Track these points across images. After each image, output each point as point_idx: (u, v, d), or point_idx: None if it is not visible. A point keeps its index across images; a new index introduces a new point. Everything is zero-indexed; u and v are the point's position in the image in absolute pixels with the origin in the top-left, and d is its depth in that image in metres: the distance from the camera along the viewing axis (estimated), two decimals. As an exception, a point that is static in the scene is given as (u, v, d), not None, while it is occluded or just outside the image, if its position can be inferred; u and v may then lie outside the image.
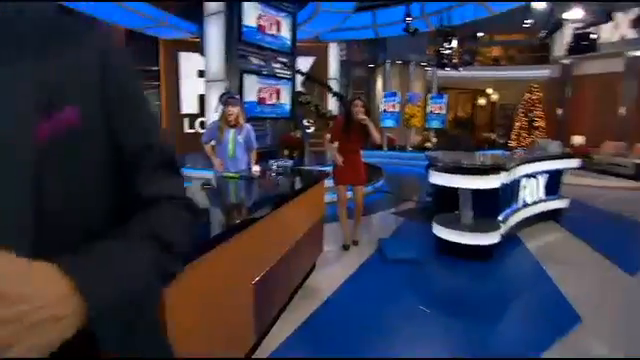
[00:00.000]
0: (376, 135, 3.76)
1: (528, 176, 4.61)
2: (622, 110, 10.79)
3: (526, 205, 4.70)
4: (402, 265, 3.57)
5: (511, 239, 4.22)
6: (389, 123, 12.23)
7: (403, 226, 4.94)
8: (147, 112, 0.62)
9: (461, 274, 3.47)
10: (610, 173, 8.79)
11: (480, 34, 9.18)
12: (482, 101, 15.58)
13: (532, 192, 4.78)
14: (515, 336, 2.52)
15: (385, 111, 12.21)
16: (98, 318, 0.39)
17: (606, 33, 9.78)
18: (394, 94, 12.20)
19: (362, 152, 3.91)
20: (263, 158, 3.89)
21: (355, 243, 4.04)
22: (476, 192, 3.74)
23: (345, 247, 3.93)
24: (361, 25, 9.55)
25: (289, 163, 3.29)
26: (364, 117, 3.61)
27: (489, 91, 15.13)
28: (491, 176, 3.64)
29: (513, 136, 13.04)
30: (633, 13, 7.48)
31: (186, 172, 6.06)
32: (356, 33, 10.17)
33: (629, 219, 5.46)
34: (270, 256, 2.25)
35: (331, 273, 3.35)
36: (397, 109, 12.14)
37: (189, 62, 9.50)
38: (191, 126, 9.99)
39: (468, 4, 7.97)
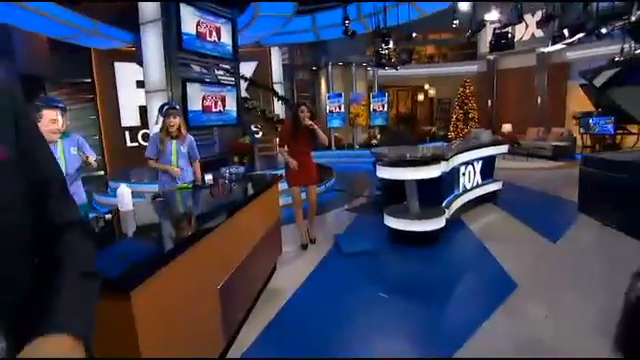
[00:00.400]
0: (323, 137, 3.91)
1: (466, 164, 5.03)
2: (538, 99, 12.09)
3: (466, 190, 5.12)
4: (358, 257, 3.75)
5: (455, 222, 4.59)
6: (336, 123, 12.56)
7: (356, 221, 5.15)
8: (45, 143, 0.73)
9: (412, 259, 3.73)
10: (534, 156, 9.78)
11: (414, 34, 9.76)
12: (421, 97, 16.49)
13: (470, 178, 5.22)
14: (463, 307, 2.78)
15: (331, 112, 12.53)
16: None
17: (520, 32, 10.90)
18: (339, 95, 12.56)
19: (312, 153, 4.06)
20: (213, 166, 3.87)
21: (313, 241, 4.18)
22: (420, 182, 4.03)
23: (303, 246, 4.04)
24: (302, 29, 9.72)
25: (241, 169, 3.32)
26: (310, 122, 3.76)
27: (427, 87, 16.05)
28: (432, 166, 3.94)
29: (451, 128, 13.98)
30: (538, 16, 8.42)
31: (134, 187, 5.80)
32: (297, 37, 10.34)
33: (551, 195, 6.15)
34: (232, 260, 2.29)
35: (292, 273, 3.44)
36: (342, 109, 12.52)
37: (126, 73, 9.07)
38: (133, 139, 9.54)
39: (402, 5, 8.46)
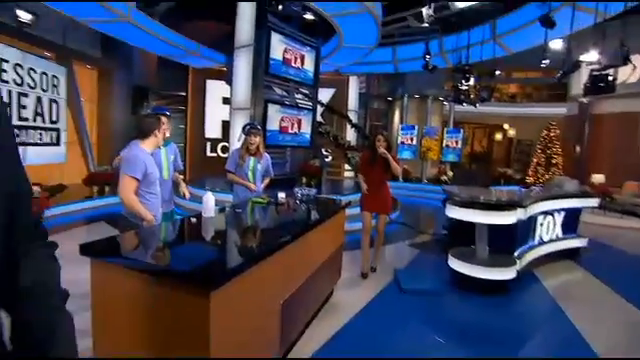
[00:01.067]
0: (395, 166, 3.99)
1: (545, 213, 4.69)
2: (642, 150, 10.81)
3: (542, 242, 4.75)
4: (417, 296, 3.65)
5: (527, 276, 4.26)
6: (406, 155, 12.47)
7: (418, 257, 5.03)
8: (17, 155, 0.71)
9: (475, 307, 3.53)
10: (631, 213, 8.69)
11: (498, 72, 9.46)
12: (499, 136, 15.73)
13: (549, 230, 4.84)
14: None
15: (402, 143, 12.49)
16: None
17: (625, 74, 9.95)
18: (412, 127, 12.53)
19: (389, 183, 4.15)
20: (283, 185, 4.10)
21: (374, 269, 4.19)
22: (492, 227, 3.86)
23: (363, 275, 4.07)
24: (381, 60, 9.99)
25: (313, 192, 3.49)
26: (383, 151, 3.91)
27: (506, 127, 15.30)
28: (507, 212, 3.76)
29: (530, 172, 13.05)
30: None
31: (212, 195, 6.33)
32: (376, 67, 10.62)
33: (649, 262, 5.43)
34: (296, 279, 2.41)
35: (348, 300, 3.47)
36: (414, 142, 12.43)
37: (215, 89, 10.03)
38: (213, 150, 10.41)
39: (487, 43, 8.32)
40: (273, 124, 6.75)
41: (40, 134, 6.11)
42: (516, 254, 4.17)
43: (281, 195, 3.30)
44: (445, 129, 12.88)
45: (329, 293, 3.40)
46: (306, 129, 7.48)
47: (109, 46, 8.13)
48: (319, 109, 8.95)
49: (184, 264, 1.72)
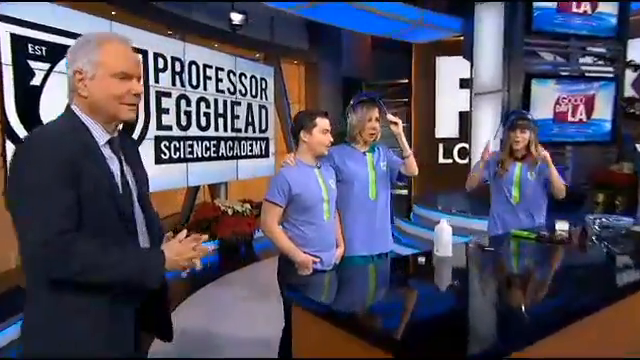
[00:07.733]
0: None
1: None
2: None
3: None
4: None
5: None
6: None
7: None
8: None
9: None
10: None
11: None
12: None
13: None
14: None
15: None
16: None
17: None
18: None
19: None
20: (561, 206, 3.60)
21: None
22: None
23: None
24: None
25: (626, 221, 2.88)
26: None
27: None
28: None
29: None
30: None
31: (445, 218, 6.25)
32: None
33: None
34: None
35: None
36: None
37: (448, 69, 10.10)
38: (446, 155, 10.44)
39: None
40: (542, 109, 6.30)
41: (251, 145, 7.56)
42: None
43: (561, 226, 2.81)
44: None
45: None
46: (602, 112, 6.72)
47: (316, 36, 9.48)
48: (629, 76, 7.74)
49: (391, 329, 1.56)
